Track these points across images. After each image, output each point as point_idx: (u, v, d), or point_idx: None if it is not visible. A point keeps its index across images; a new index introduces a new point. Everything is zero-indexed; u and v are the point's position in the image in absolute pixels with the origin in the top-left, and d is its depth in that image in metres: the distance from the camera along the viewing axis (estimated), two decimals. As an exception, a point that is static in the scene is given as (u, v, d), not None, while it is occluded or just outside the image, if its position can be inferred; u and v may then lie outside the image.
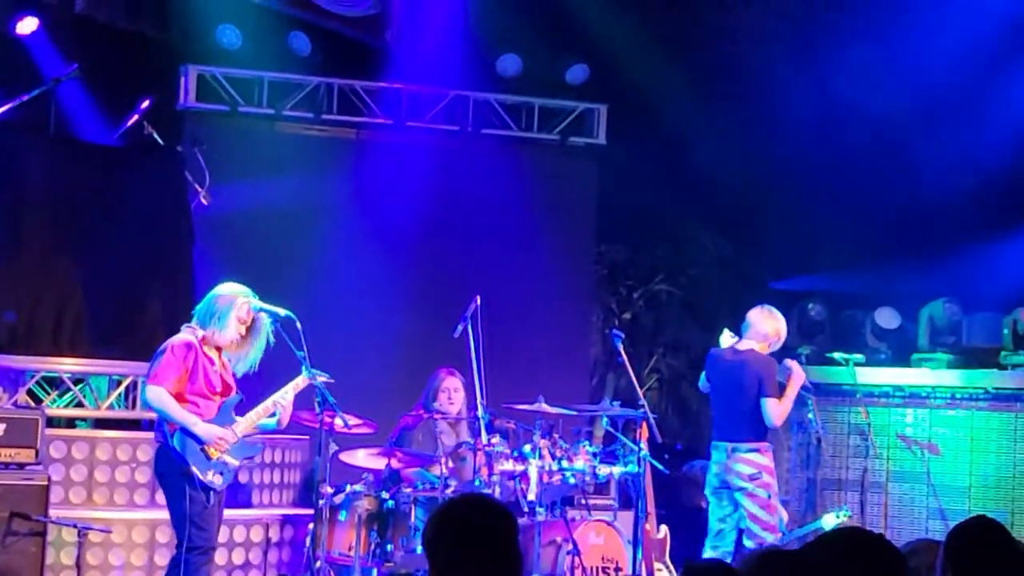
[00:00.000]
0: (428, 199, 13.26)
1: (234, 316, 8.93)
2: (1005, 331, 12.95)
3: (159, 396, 8.72)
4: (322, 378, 9.18)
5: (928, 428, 12.79)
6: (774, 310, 10.83)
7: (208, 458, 8.75)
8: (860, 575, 4.18)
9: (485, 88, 13.81)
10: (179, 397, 8.75)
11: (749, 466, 10.51)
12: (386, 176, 13.26)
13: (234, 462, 8.91)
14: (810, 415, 12.12)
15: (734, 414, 10.59)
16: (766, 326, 10.72)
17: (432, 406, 10.99)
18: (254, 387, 9.20)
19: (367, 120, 13.59)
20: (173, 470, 8.74)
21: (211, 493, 8.76)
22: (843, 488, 12.92)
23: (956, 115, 13.13)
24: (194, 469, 8.67)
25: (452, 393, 11.12)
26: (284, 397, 9.11)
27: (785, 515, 10.84)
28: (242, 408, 9.04)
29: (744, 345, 10.73)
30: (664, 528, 11.70)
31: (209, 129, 12.95)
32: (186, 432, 8.70)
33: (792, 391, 10.68)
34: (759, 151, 13.44)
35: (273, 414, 9.09)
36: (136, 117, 12.38)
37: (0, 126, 11.82)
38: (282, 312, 9.05)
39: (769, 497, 10.49)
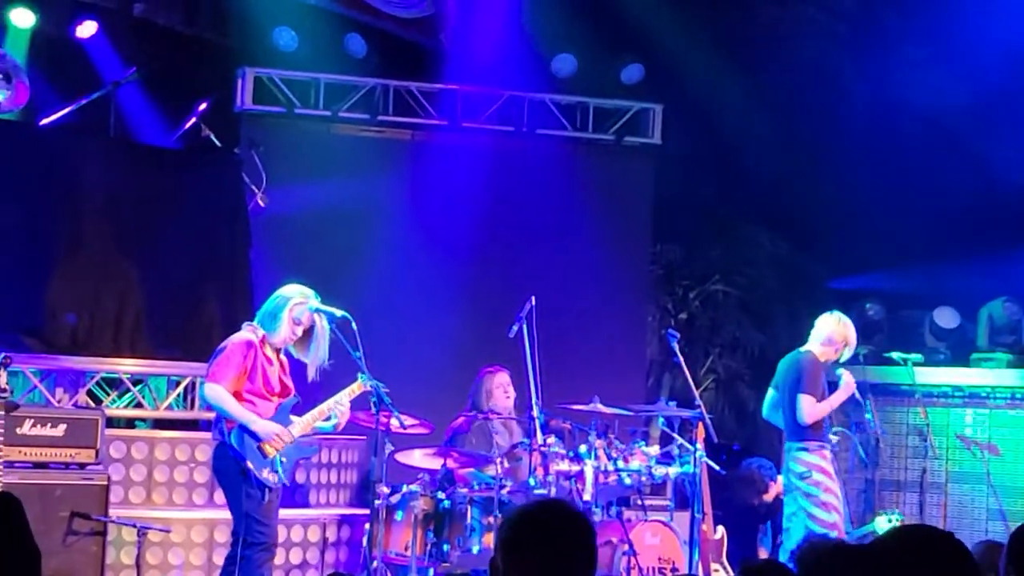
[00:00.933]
0: (483, 200, 13.28)
1: (288, 316, 8.98)
2: (1066, 330, 12.89)
3: (218, 393, 8.78)
4: (371, 387, 9.21)
5: (988, 428, 12.70)
6: (842, 315, 10.81)
7: (264, 456, 8.80)
8: (928, 572, 4.15)
9: (540, 88, 13.81)
10: (237, 396, 8.82)
11: (800, 464, 10.52)
12: (441, 177, 13.29)
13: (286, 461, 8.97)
14: (868, 416, 12.05)
15: (786, 414, 10.63)
16: (829, 330, 10.71)
17: (485, 406, 10.99)
18: (309, 387, 9.25)
19: (422, 121, 13.63)
20: (231, 467, 8.81)
21: (267, 491, 8.82)
22: (902, 489, 12.86)
23: (1015, 111, 13.04)
24: (250, 466, 8.73)
25: (507, 388, 11.14)
26: (341, 401, 9.15)
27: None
28: (298, 410, 9.10)
29: (806, 347, 10.74)
30: (721, 529, 11.67)
31: (266, 131, 13.02)
32: (244, 429, 8.75)
33: (836, 398, 10.68)
34: (816, 149, 13.39)
35: (329, 418, 9.14)
36: (194, 119, 12.45)
37: (60, 129, 11.96)
38: (338, 313, 9.10)
39: (822, 495, 10.47)
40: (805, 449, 10.53)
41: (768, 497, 12.27)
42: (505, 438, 11.11)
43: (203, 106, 12.50)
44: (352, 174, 12.95)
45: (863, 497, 12.83)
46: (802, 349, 10.73)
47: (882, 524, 11.03)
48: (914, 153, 13.19)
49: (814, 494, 10.46)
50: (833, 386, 10.70)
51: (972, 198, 13.11)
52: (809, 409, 10.45)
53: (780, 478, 11.33)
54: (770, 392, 10.94)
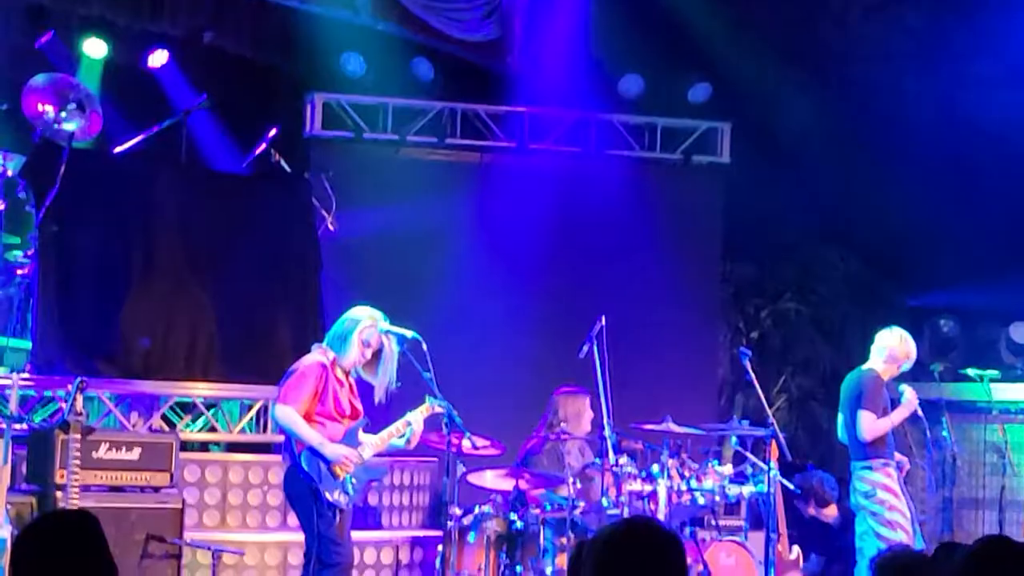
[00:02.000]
0: (552, 221, 13.28)
1: (357, 338, 9.02)
2: None
3: (288, 415, 8.82)
4: (442, 408, 9.22)
5: (1067, 445, 12.58)
6: (902, 331, 10.73)
7: (335, 477, 8.82)
8: None
9: (607, 109, 13.81)
10: (307, 417, 8.85)
11: (864, 483, 10.45)
12: (510, 199, 13.30)
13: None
14: (944, 433, 11.96)
15: (848, 432, 10.55)
16: (890, 346, 10.63)
17: (559, 427, 10.97)
18: (377, 409, 9.27)
19: (490, 144, 13.67)
20: (302, 489, 8.84)
21: (338, 512, 8.85)
22: (980, 507, 12.75)
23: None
24: (321, 488, 8.76)
25: (589, 411, 11.13)
26: (415, 419, 9.17)
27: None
28: (367, 431, 9.12)
29: (868, 364, 10.67)
30: (796, 549, 11.58)
31: (335, 156, 13.11)
32: (313, 452, 8.78)
33: (898, 415, 10.57)
34: (886, 166, 13.32)
35: (403, 435, 9.16)
36: (264, 145, 12.53)
37: (133, 157, 12.08)
38: (408, 334, 9.12)
39: (886, 513, 10.38)
40: (869, 468, 10.45)
41: (828, 513, 12.15)
42: (577, 459, 11.10)
43: (273, 132, 12.58)
44: (420, 197, 12.99)
45: (941, 516, 12.70)
46: (863, 367, 10.65)
47: None
48: (985, 169, 13.09)
49: (879, 512, 10.40)
50: (895, 403, 10.60)
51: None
52: (869, 426, 10.37)
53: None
54: (840, 415, 10.87)
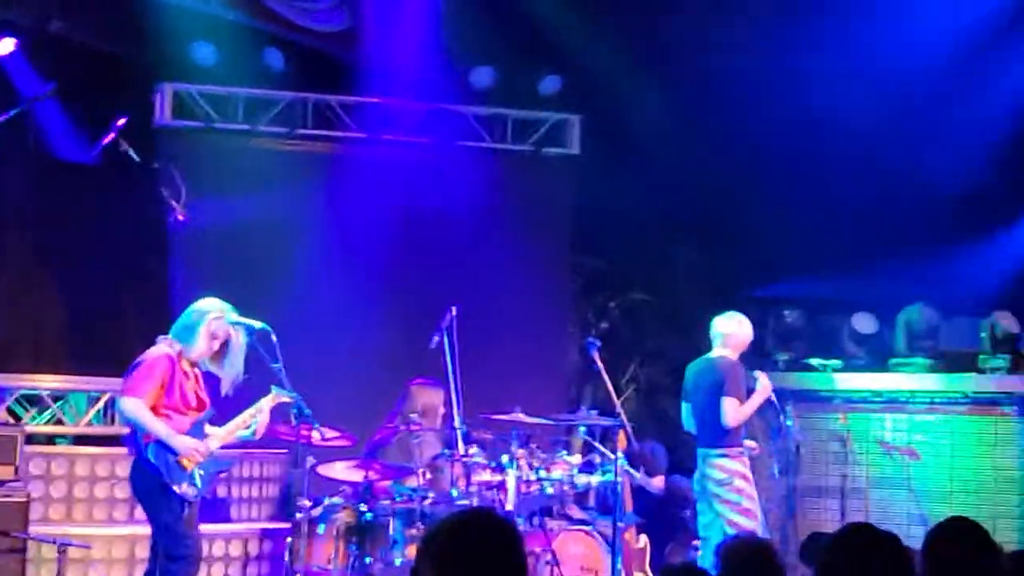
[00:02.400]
0: (404, 212, 13.29)
1: (204, 330, 8.99)
2: (983, 335, 13.00)
3: (135, 407, 8.77)
4: (289, 398, 9.21)
5: (908, 433, 12.81)
6: (739, 315, 10.95)
7: (182, 470, 8.79)
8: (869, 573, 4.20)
9: (459, 101, 13.83)
10: (154, 410, 8.80)
11: (719, 471, 10.59)
12: (362, 190, 13.27)
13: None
14: (788, 422, 12.16)
15: (704, 420, 10.69)
16: (733, 332, 10.85)
17: (410, 418, 10.99)
18: (224, 401, 9.25)
19: (342, 135, 13.62)
20: (149, 482, 8.79)
21: (186, 504, 8.81)
22: (823, 495, 12.95)
23: (931, 119, 13.17)
24: (168, 480, 8.71)
25: (439, 404, 11.17)
26: (261, 409, 9.15)
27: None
28: (213, 424, 9.09)
29: (716, 353, 10.84)
30: (644, 537, 11.74)
31: (185, 146, 12.98)
32: (160, 444, 8.73)
33: (755, 400, 10.76)
34: (734, 159, 13.48)
35: (249, 426, 9.14)
36: (112, 135, 12.36)
37: (-23, 146, 11.89)
38: (257, 324, 9.11)
39: (744, 502, 10.55)
40: (726, 456, 10.60)
41: (655, 483, 12.32)
42: (433, 450, 11.13)
43: (122, 122, 12.41)
44: (272, 188, 12.92)
45: (785, 504, 12.91)
46: (715, 355, 10.81)
47: None
48: (832, 161, 13.28)
49: (736, 501, 10.54)
50: (750, 391, 10.78)
51: (889, 205, 13.23)
52: (734, 412, 10.53)
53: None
54: (684, 405, 11.01)
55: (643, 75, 13.60)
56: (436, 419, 11.23)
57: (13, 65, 12.58)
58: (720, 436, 10.61)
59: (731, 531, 10.37)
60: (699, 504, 10.82)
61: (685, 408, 10.97)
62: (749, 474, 10.65)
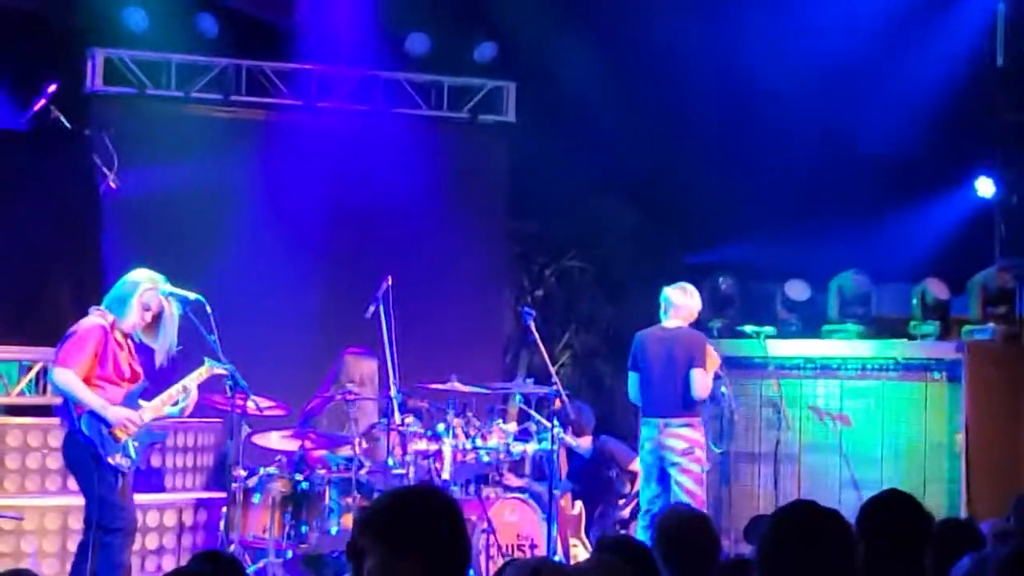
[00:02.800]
0: (339, 179, 13.23)
1: (136, 302, 8.93)
2: (914, 301, 13.12)
3: (67, 379, 8.71)
4: (223, 370, 9.17)
5: (839, 399, 12.90)
6: (689, 286, 11.02)
7: (116, 441, 8.75)
8: (814, 550, 4.22)
9: (394, 67, 13.76)
10: (87, 381, 8.75)
11: (682, 441, 10.68)
12: (296, 157, 13.20)
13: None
14: (723, 389, 12.22)
15: (667, 390, 10.74)
16: (688, 303, 10.93)
17: (344, 387, 10.98)
18: (159, 371, 9.20)
19: (276, 101, 13.50)
20: (82, 454, 8.74)
21: (120, 475, 8.77)
22: (756, 461, 13.02)
23: (863, 85, 13.25)
24: (102, 452, 8.66)
25: (368, 373, 11.17)
26: (188, 386, 9.11)
27: None
28: (147, 395, 9.04)
29: (672, 323, 10.90)
30: (579, 504, 11.80)
31: (117, 112, 12.83)
32: (93, 415, 8.68)
33: (710, 371, 10.87)
34: (668, 125, 13.48)
35: (177, 402, 9.09)
36: (43, 101, 12.27)
37: (-95, 112, 11.75)
38: (192, 296, 9.06)
39: (702, 471, 10.69)
40: (689, 425, 10.75)
41: (582, 443, 12.33)
42: (364, 419, 11.13)
43: (52, 88, 12.31)
44: (206, 155, 12.81)
45: (719, 469, 12.97)
46: (672, 326, 10.88)
47: None
48: (764, 125, 13.30)
49: (696, 471, 10.69)
50: None
51: (822, 171, 13.30)
52: (704, 383, 10.68)
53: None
54: (633, 374, 11.02)
55: (577, 41, 13.58)
56: (371, 388, 11.23)
57: (-61, 30, 12.43)
58: (684, 406, 10.72)
59: (687, 499, 10.46)
60: (647, 477, 10.86)
61: (633, 377, 10.98)
62: (705, 444, 10.80)
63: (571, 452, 12.22)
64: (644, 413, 10.96)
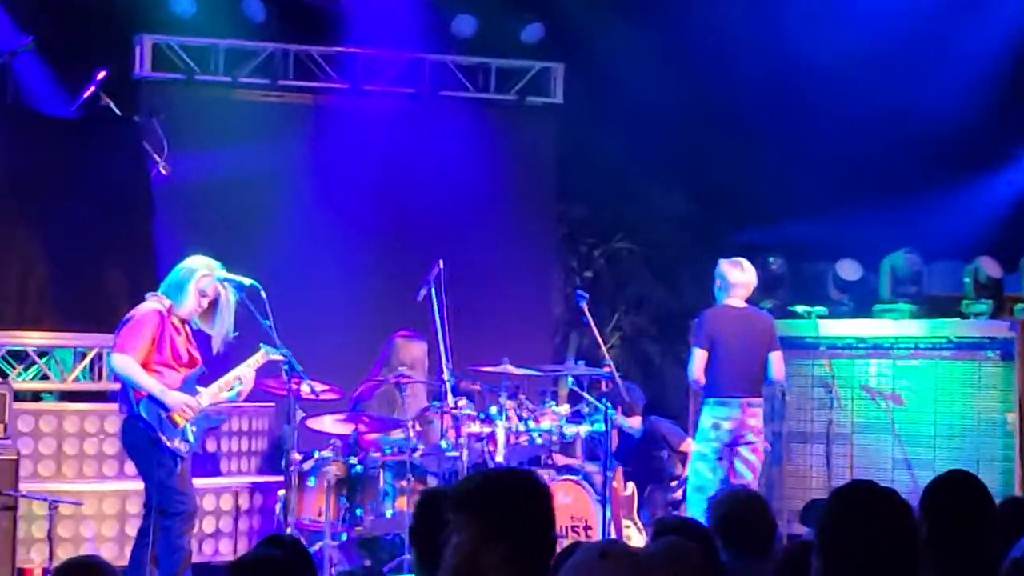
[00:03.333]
0: (387, 163, 13.24)
1: (193, 288, 8.96)
2: (966, 280, 13.02)
3: (126, 364, 8.75)
4: (279, 356, 9.19)
5: (892, 379, 12.85)
6: (746, 262, 11.04)
7: (174, 425, 8.78)
8: (872, 531, 4.21)
9: (441, 50, 13.75)
10: (145, 366, 8.79)
11: (758, 420, 10.73)
12: (344, 141, 13.21)
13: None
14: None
15: (749, 369, 10.75)
16: (749, 280, 10.96)
17: (395, 371, 11.00)
18: (215, 356, 9.24)
19: (324, 85, 13.52)
20: (141, 439, 8.78)
21: (178, 460, 8.81)
22: (808, 440, 12.99)
23: (914, 62, 13.16)
24: (161, 436, 8.70)
25: (423, 357, 11.18)
26: (245, 373, 9.13)
27: None
28: (204, 380, 9.08)
29: (738, 302, 10.91)
30: (631, 485, 11.78)
31: (166, 98, 12.86)
32: (152, 400, 8.72)
33: None
34: (717, 105, 13.45)
35: (233, 388, 9.13)
36: (92, 88, 12.30)
37: (-44, 101, 11.80)
38: (247, 281, 9.08)
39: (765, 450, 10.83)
40: (762, 407, 10.79)
41: (632, 423, 12.27)
42: (416, 402, 11.15)
43: (101, 74, 12.34)
44: (254, 140, 12.85)
45: (772, 449, 12.96)
46: (742, 304, 10.89)
47: None
48: (815, 107, 13.24)
49: (762, 451, 10.74)
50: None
51: (873, 150, 13.23)
52: (782, 366, 10.86)
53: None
54: (700, 352, 10.92)
55: (625, 22, 13.55)
56: (421, 371, 11.24)
57: (-11, 18, 12.48)
58: (761, 386, 10.75)
59: (752, 477, 10.52)
60: (718, 456, 10.80)
61: (701, 355, 10.88)
62: None
63: (622, 433, 12.20)
64: (718, 393, 10.85)
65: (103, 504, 10.41)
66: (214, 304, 9.07)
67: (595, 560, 3.79)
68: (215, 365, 9.25)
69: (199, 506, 10.43)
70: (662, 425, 12.42)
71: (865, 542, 4.17)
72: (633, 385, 12.42)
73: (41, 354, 11.22)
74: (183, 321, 9.02)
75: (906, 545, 4.21)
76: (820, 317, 12.84)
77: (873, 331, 12.94)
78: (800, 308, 12.87)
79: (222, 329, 9.08)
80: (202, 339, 9.20)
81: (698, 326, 11.01)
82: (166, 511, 8.75)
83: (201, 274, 9.00)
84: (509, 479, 4.10)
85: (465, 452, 10.21)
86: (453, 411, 10.33)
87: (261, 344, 9.17)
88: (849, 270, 13.54)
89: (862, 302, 13.37)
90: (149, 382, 8.74)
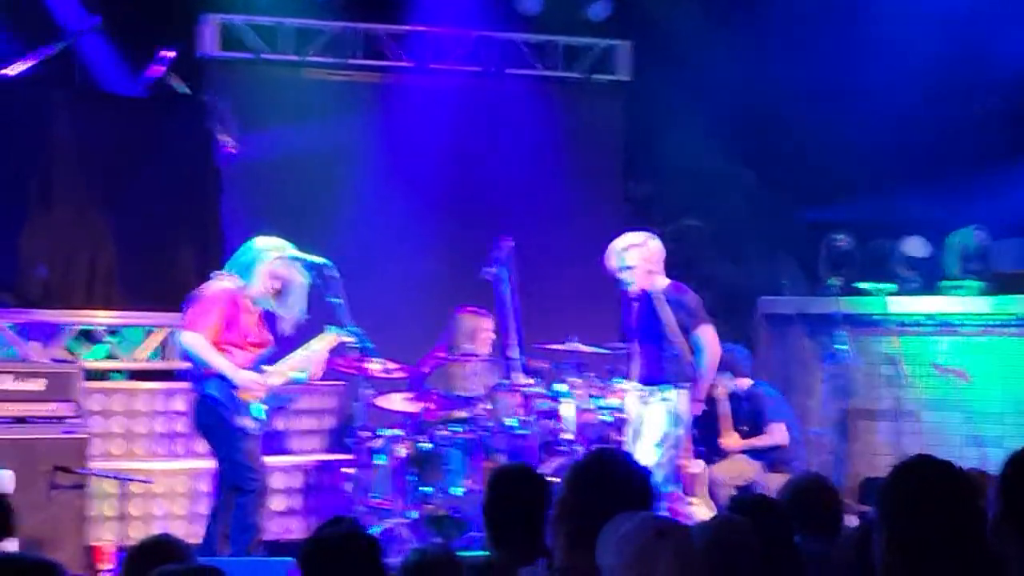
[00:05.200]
0: (455, 141, 13.22)
1: (263, 269, 8.98)
2: (1034, 256, 12.96)
3: (196, 342, 8.79)
4: (350, 338, 9.20)
5: (960, 356, 12.77)
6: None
7: (243, 404, 8.81)
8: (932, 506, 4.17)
9: (509, 28, 13.72)
10: (215, 345, 8.82)
11: None
12: (412, 119, 13.20)
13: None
14: (842, 346, 12.14)
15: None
16: None
17: (462, 346, 11.01)
18: (288, 335, 9.27)
19: (392, 64, 13.52)
20: (212, 417, 8.83)
21: (248, 438, 8.85)
22: (876, 417, 12.93)
23: (979, 38, 13.04)
24: (230, 414, 8.74)
25: (491, 333, 11.19)
26: (316, 353, 9.15)
27: None
28: (274, 360, 9.11)
29: None
30: (700, 463, 11.72)
31: (233, 77, 12.90)
32: (222, 378, 8.76)
33: None
34: (784, 82, 13.36)
35: (304, 369, 9.15)
36: (160, 68, 12.36)
37: (26, 81, 11.88)
38: (319, 260, 9.10)
39: None
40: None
41: (742, 383, 12.16)
42: (482, 379, 11.16)
43: (169, 54, 12.40)
44: (322, 119, 12.86)
45: (838, 428, 12.91)
46: None
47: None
48: (880, 81, 13.18)
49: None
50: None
51: (940, 125, 13.13)
52: None
53: None
54: None
55: (692, -1, 13.51)
56: (486, 348, 11.24)
57: None
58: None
59: None
60: None
61: None
62: None
63: (733, 396, 12.03)
64: None
65: (173, 482, 10.48)
66: (285, 285, 9.09)
67: (651, 539, 3.79)
68: (284, 344, 9.27)
69: (270, 484, 10.53)
70: (765, 399, 12.20)
71: (926, 518, 4.14)
72: (735, 347, 12.32)
73: (111, 333, 11.30)
74: (254, 300, 9.04)
75: (968, 519, 4.17)
76: (888, 294, 12.77)
77: (941, 308, 12.86)
78: (868, 285, 12.80)
79: (293, 311, 9.10)
80: (272, 318, 9.23)
81: None
82: (240, 488, 8.80)
83: (270, 255, 9.02)
84: (604, 456, 4.18)
85: (534, 430, 10.21)
86: (522, 389, 10.33)
87: (328, 326, 9.18)
88: (916, 247, 13.44)
89: (929, 279, 13.28)
90: (219, 360, 8.78)
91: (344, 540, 4.42)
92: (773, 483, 10.75)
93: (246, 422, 8.85)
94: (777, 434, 11.74)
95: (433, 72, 13.50)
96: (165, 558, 4.55)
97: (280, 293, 9.10)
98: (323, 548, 4.39)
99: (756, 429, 11.94)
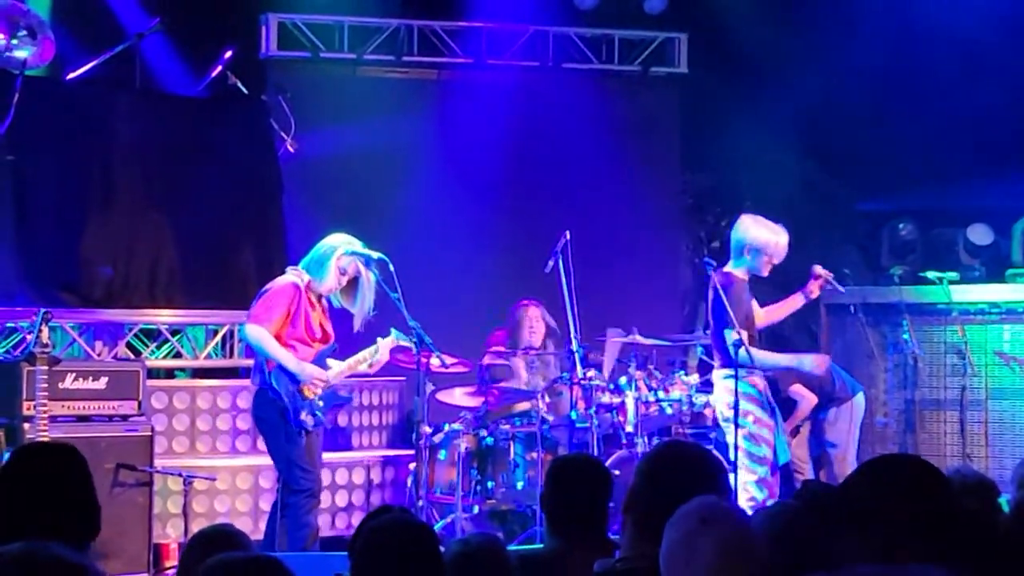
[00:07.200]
0: (512, 136, 13.24)
1: (333, 265, 9.00)
2: (1097, 245, 12.84)
3: (259, 334, 8.82)
4: (408, 343, 9.21)
5: (1025, 344, 12.67)
6: None
7: (303, 398, 8.83)
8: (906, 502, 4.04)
9: (564, 22, 13.74)
10: (278, 339, 8.85)
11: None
12: (469, 115, 13.23)
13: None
14: (905, 336, 12.06)
15: None
16: None
17: (524, 341, 11.03)
18: (345, 331, 9.29)
19: (448, 60, 13.57)
20: (270, 412, 8.86)
21: (305, 433, 8.87)
22: (942, 407, 12.83)
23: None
24: (289, 407, 8.77)
25: (534, 322, 11.20)
26: (378, 354, 9.18)
27: None
28: (336, 357, 9.14)
29: None
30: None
31: (292, 76, 13.00)
32: (283, 371, 8.79)
33: None
34: (842, 71, 13.30)
35: (368, 363, 9.18)
36: (219, 68, 12.42)
37: (87, 83, 11.95)
38: (375, 254, 9.11)
39: None
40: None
41: None
42: (543, 373, 11.16)
43: (228, 54, 12.46)
44: (380, 116, 12.94)
45: (903, 417, 12.83)
46: None
47: None
48: (942, 70, 13.09)
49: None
50: None
51: (1002, 113, 13.03)
52: None
53: None
54: None
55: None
56: (524, 337, 11.25)
57: (118, 1, 12.63)
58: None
59: None
60: None
61: None
62: None
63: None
64: None
65: (236, 479, 10.53)
66: (355, 282, 9.12)
67: (696, 525, 3.75)
68: (345, 342, 9.31)
69: (331, 480, 10.58)
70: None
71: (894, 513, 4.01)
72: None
73: (173, 332, 11.35)
74: (319, 297, 9.08)
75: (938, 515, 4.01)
76: (952, 283, 12.67)
77: (1006, 296, 12.75)
78: (931, 274, 12.71)
79: (363, 307, 9.11)
80: (335, 315, 9.26)
81: None
82: (292, 487, 8.82)
83: (341, 251, 9.05)
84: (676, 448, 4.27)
85: (595, 423, 10.20)
86: (583, 382, 10.32)
87: (392, 329, 9.21)
88: (980, 235, 13.36)
89: (994, 267, 13.18)
90: (281, 352, 8.81)
91: (396, 526, 4.39)
92: None
93: (304, 417, 8.87)
94: None
95: (489, 68, 13.54)
96: (224, 547, 4.56)
97: (350, 290, 9.13)
98: (374, 534, 4.35)
99: None
